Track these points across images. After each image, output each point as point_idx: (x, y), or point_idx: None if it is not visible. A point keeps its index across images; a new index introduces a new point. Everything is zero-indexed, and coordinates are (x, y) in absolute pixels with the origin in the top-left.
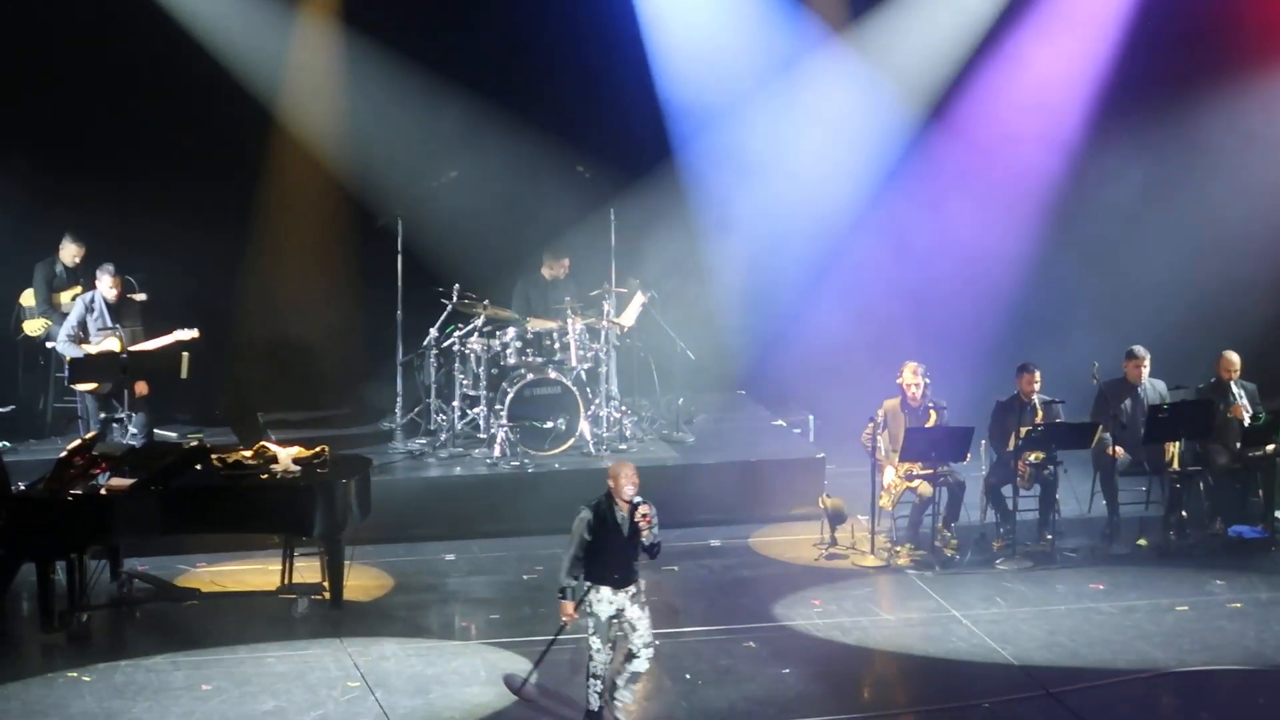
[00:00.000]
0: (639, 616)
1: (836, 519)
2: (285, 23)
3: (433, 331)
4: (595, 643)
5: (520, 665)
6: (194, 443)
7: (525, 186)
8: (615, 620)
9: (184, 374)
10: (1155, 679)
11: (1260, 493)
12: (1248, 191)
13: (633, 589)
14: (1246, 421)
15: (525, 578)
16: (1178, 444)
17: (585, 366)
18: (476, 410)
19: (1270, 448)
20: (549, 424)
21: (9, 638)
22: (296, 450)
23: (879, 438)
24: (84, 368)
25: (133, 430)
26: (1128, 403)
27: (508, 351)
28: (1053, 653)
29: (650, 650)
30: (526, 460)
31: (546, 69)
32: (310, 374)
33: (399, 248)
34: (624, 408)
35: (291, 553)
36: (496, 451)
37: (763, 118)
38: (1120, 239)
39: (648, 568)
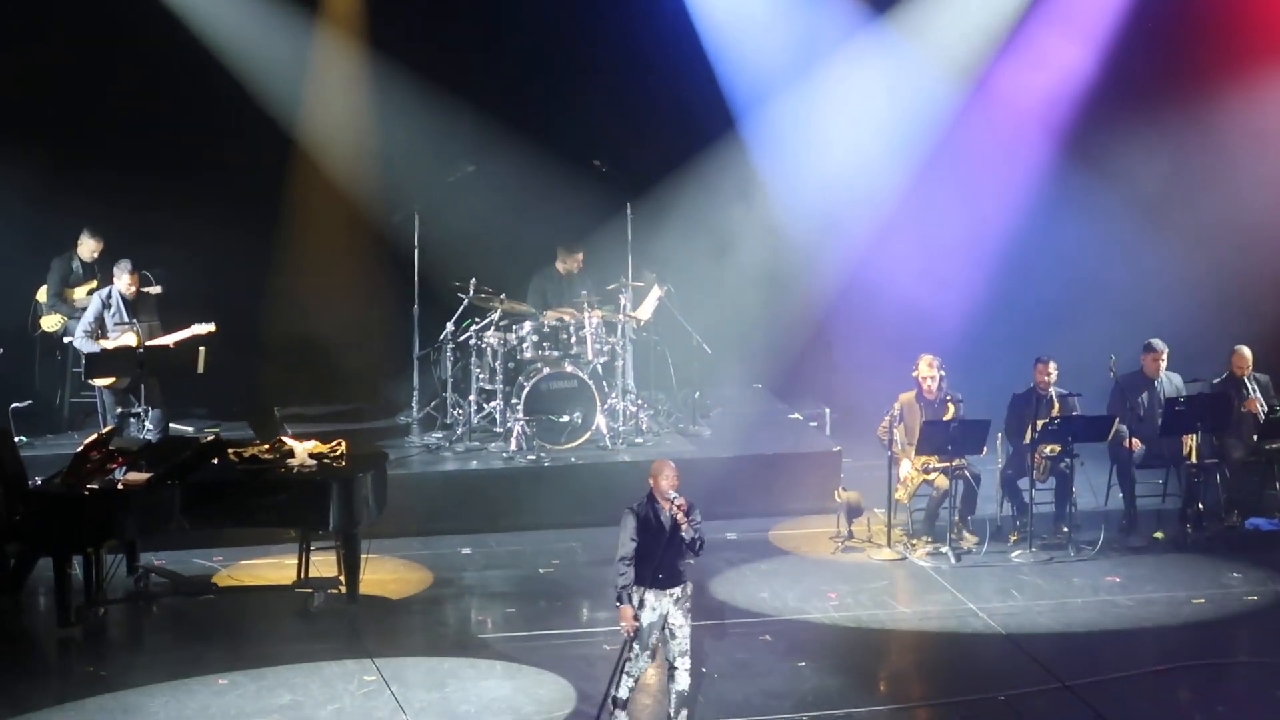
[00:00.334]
0: (680, 624)
1: (853, 512)
2: (307, 20)
3: (449, 326)
4: (635, 648)
5: (534, 658)
6: (210, 437)
7: (541, 181)
8: (657, 628)
9: (200, 369)
10: (1171, 672)
11: (1277, 485)
12: (1264, 188)
13: (677, 592)
14: (1262, 416)
15: (541, 571)
16: (1194, 437)
17: (601, 360)
18: (493, 404)
19: None
20: (565, 418)
21: (27, 633)
22: (313, 444)
23: (895, 431)
24: (101, 363)
25: (149, 425)
26: (1144, 396)
27: (524, 345)
28: (1069, 645)
29: (687, 660)
30: (543, 454)
31: (568, 62)
32: (327, 368)
33: (416, 242)
34: (640, 401)
35: (308, 547)
36: (513, 445)
37: (790, 109)
38: (1139, 232)
39: None
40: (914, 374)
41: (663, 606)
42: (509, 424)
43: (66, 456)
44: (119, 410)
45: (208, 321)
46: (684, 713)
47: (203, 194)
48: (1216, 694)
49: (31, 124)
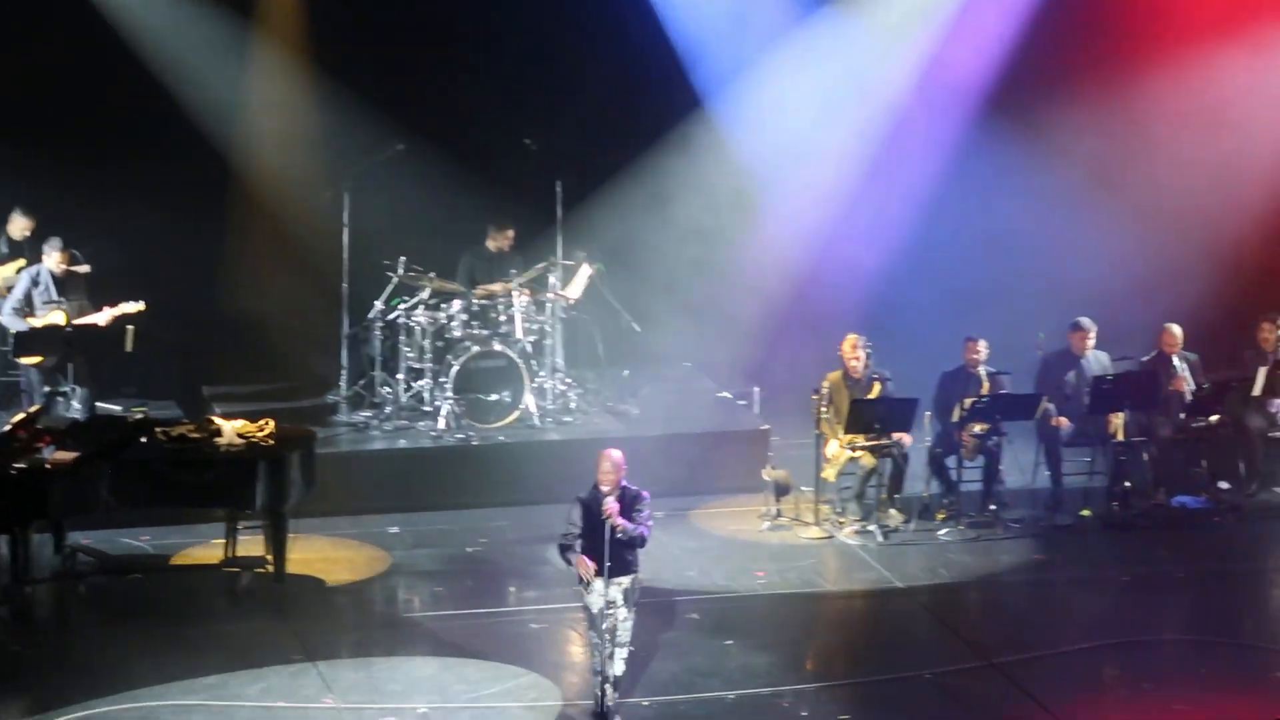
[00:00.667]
0: (624, 616)
1: (781, 491)
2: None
3: (378, 304)
4: (593, 636)
5: (462, 637)
6: (138, 416)
7: (470, 159)
8: (609, 615)
9: (129, 347)
10: (1098, 649)
11: (1203, 463)
12: (1188, 168)
13: (625, 581)
14: (1189, 394)
15: (469, 550)
16: (1122, 415)
17: (531, 339)
18: (421, 383)
19: (1214, 418)
20: (494, 397)
21: None
22: (241, 424)
23: (822, 409)
24: (29, 341)
25: (76, 404)
26: (1072, 374)
27: (453, 324)
28: (996, 623)
29: (625, 652)
30: (471, 433)
31: (494, 35)
32: (256, 347)
33: (345, 220)
34: (569, 380)
35: (236, 526)
36: (441, 424)
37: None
38: (1067, 210)
39: None
40: (839, 353)
41: (610, 594)
42: (437, 403)
43: None
44: (46, 389)
45: (136, 300)
46: (612, 692)
47: (133, 173)
48: (1142, 671)
49: None
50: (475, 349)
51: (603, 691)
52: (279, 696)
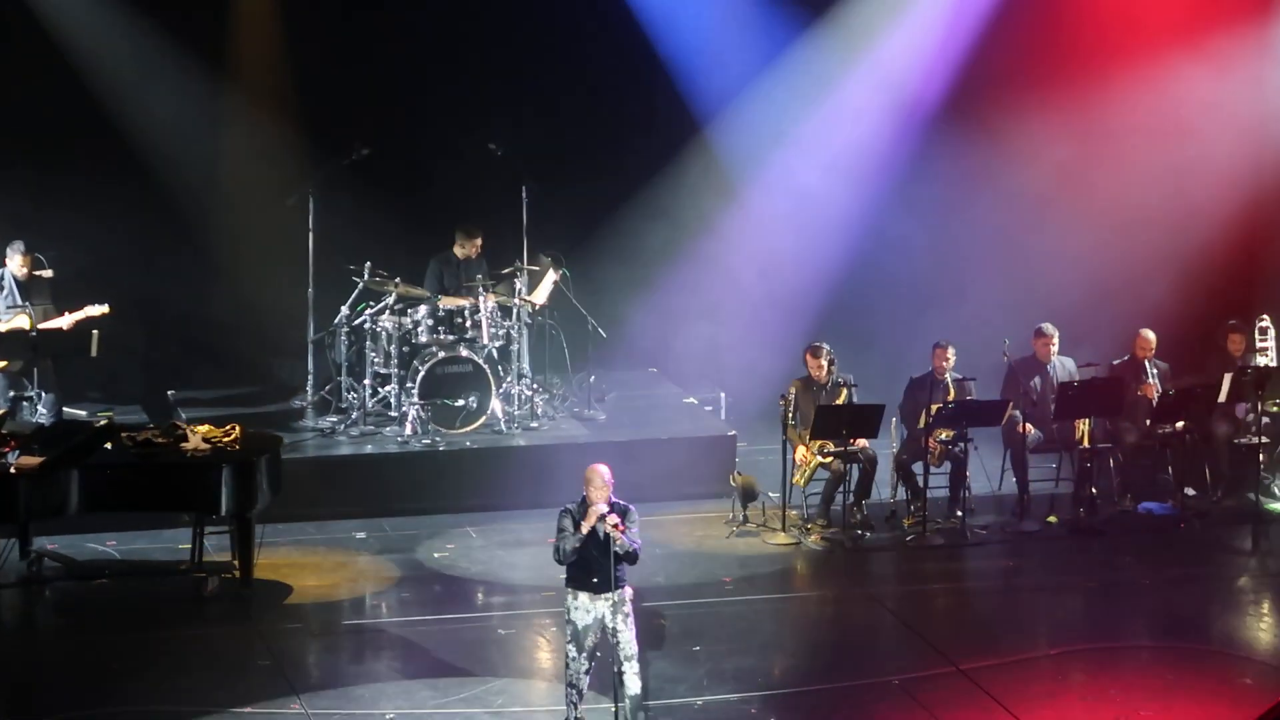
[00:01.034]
0: (621, 629)
1: (748, 496)
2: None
3: (344, 309)
4: (571, 650)
5: (429, 642)
6: (103, 421)
7: (437, 164)
8: (594, 630)
9: (94, 352)
10: (1064, 655)
11: (1169, 469)
12: (1151, 177)
13: (613, 597)
14: (1155, 400)
15: (436, 555)
16: (1087, 421)
17: (497, 344)
18: (388, 388)
19: (1180, 424)
20: (460, 402)
21: None
22: (206, 428)
23: (788, 415)
24: None
25: (42, 409)
26: (1037, 380)
27: (419, 329)
28: (963, 629)
29: (634, 664)
30: (438, 438)
31: (458, 39)
32: (221, 352)
33: (310, 225)
34: (535, 385)
35: (202, 531)
36: (408, 429)
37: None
38: (1032, 220)
39: None
40: (804, 359)
41: (598, 610)
42: (404, 408)
43: None
44: (11, 394)
45: (102, 304)
46: (640, 715)
47: (97, 176)
48: (1109, 677)
49: None
50: (441, 354)
51: (573, 704)
52: (246, 702)
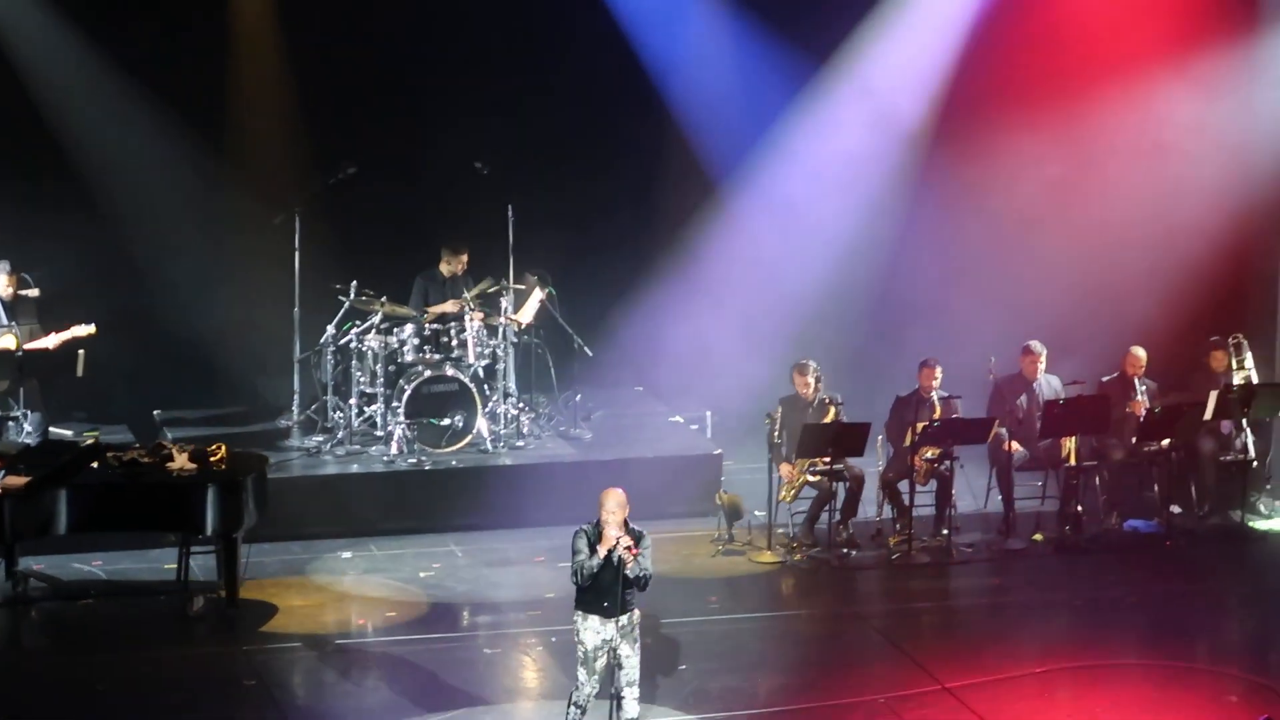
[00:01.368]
0: (628, 654)
1: (733, 515)
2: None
3: (330, 328)
4: (581, 674)
5: (415, 661)
6: (89, 441)
7: (423, 182)
8: (603, 652)
9: (80, 372)
10: (1050, 673)
11: (1155, 487)
12: (1135, 196)
13: (624, 620)
14: (1143, 417)
15: (422, 575)
16: (1073, 439)
17: (483, 363)
18: (374, 408)
19: (1165, 442)
20: (446, 421)
21: None
22: (193, 448)
23: (774, 433)
24: None
25: (28, 428)
26: (1023, 398)
27: (405, 348)
28: (949, 647)
29: (635, 689)
30: (424, 458)
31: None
32: (207, 371)
33: (296, 244)
34: (521, 404)
35: (188, 551)
36: (394, 449)
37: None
38: (1019, 238)
39: None
40: (791, 377)
41: (606, 633)
42: (390, 427)
43: None
44: None
45: (88, 324)
46: None
47: (83, 196)
48: (1095, 695)
49: None
50: (427, 373)
51: None
52: None
